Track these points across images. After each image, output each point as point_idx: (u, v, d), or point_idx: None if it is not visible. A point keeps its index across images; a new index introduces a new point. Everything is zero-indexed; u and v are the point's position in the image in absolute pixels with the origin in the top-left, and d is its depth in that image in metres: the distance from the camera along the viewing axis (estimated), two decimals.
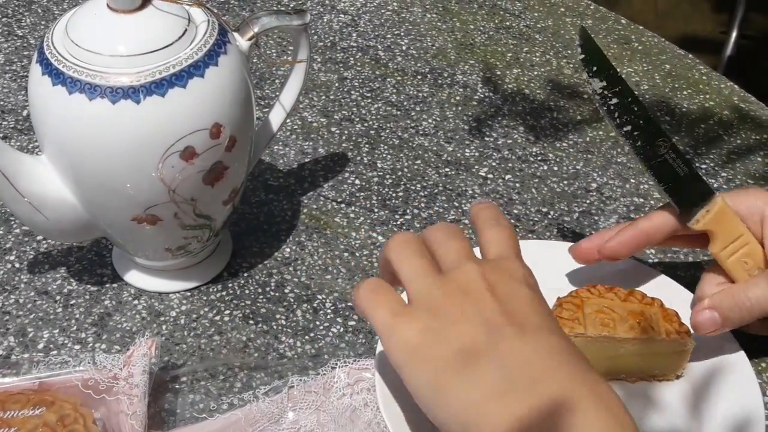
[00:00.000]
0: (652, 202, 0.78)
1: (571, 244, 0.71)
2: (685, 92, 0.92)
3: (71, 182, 0.59)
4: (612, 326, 0.60)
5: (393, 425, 0.57)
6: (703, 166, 0.82)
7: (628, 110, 0.60)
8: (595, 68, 0.59)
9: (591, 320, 0.61)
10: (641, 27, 1.02)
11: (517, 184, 0.80)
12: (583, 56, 0.59)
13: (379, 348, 0.61)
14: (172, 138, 0.56)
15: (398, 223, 0.75)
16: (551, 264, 0.68)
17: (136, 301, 0.67)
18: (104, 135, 0.56)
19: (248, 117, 0.62)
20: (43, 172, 0.59)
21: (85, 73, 0.56)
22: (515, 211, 0.77)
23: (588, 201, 0.78)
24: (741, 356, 0.62)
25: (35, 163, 0.60)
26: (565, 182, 0.80)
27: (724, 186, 0.80)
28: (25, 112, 0.85)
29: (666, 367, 0.61)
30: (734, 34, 2.07)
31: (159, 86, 0.56)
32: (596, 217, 0.77)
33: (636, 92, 0.82)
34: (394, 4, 1.04)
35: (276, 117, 0.70)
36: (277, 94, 0.70)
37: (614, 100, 0.60)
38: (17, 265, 0.70)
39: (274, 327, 0.66)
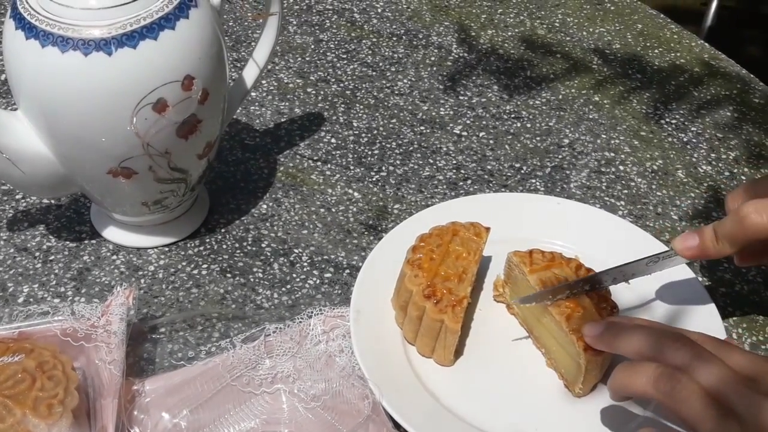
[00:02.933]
0: (622, 156, 0.80)
1: (542, 195, 0.73)
2: (656, 50, 0.93)
3: (46, 136, 0.60)
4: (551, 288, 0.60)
5: (368, 369, 0.58)
6: (673, 121, 0.84)
7: (562, 288, 0.60)
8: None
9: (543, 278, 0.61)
10: None
11: (491, 141, 0.81)
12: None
13: (355, 295, 0.63)
14: (144, 90, 0.57)
15: (373, 179, 0.76)
16: (523, 215, 0.70)
17: (114, 257, 0.68)
18: (77, 87, 0.57)
19: (220, 71, 0.63)
20: (18, 126, 0.60)
21: (57, 26, 0.56)
22: (488, 167, 0.78)
23: (560, 156, 0.80)
24: (704, 296, 0.63)
25: (11, 118, 0.60)
26: (538, 138, 0.82)
27: (694, 140, 0.82)
28: (2, 77, 0.86)
29: (568, 367, 0.59)
30: (714, 5, 2.08)
31: (130, 38, 0.56)
32: (567, 172, 0.78)
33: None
34: None
35: (250, 73, 0.70)
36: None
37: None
38: None
39: (252, 280, 0.67)
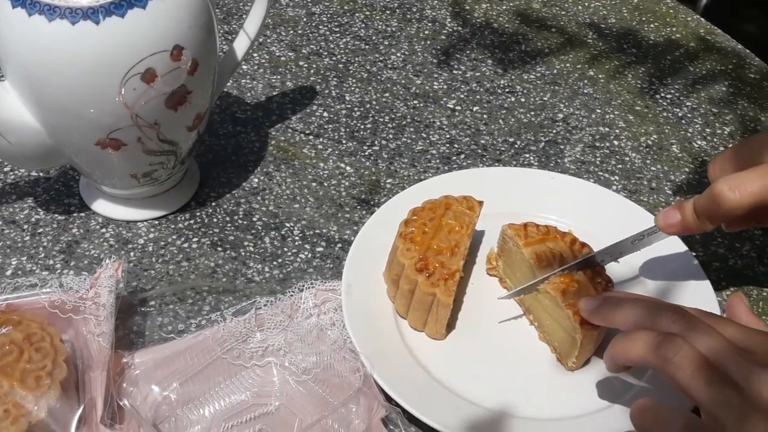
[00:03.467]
0: (616, 130, 0.79)
1: (536, 170, 0.73)
2: (651, 25, 0.92)
3: (33, 106, 0.59)
4: (545, 267, 0.60)
5: (359, 342, 0.58)
6: (669, 96, 0.83)
7: (555, 275, 0.59)
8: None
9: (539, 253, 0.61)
10: None
11: (485, 116, 0.81)
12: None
13: (346, 268, 0.62)
14: (132, 59, 0.56)
15: (366, 153, 0.76)
16: (516, 190, 0.70)
17: (103, 230, 0.68)
18: (64, 57, 0.56)
19: (210, 41, 0.62)
20: (5, 97, 0.59)
21: None
22: (482, 142, 0.78)
23: (554, 131, 0.79)
24: (698, 270, 0.63)
25: None
26: (532, 113, 0.81)
27: (689, 115, 0.81)
28: None
29: (562, 341, 0.59)
30: None
31: (118, 7, 0.55)
32: (562, 146, 0.77)
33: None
34: None
35: (240, 45, 0.69)
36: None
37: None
38: None
39: (243, 253, 0.67)
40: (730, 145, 0.77)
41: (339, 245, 0.67)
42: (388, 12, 0.92)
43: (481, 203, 0.64)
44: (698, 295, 0.62)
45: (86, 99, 0.57)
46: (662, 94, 0.83)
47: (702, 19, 0.93)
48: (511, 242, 0.62)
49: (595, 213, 0.68)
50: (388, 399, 0.55)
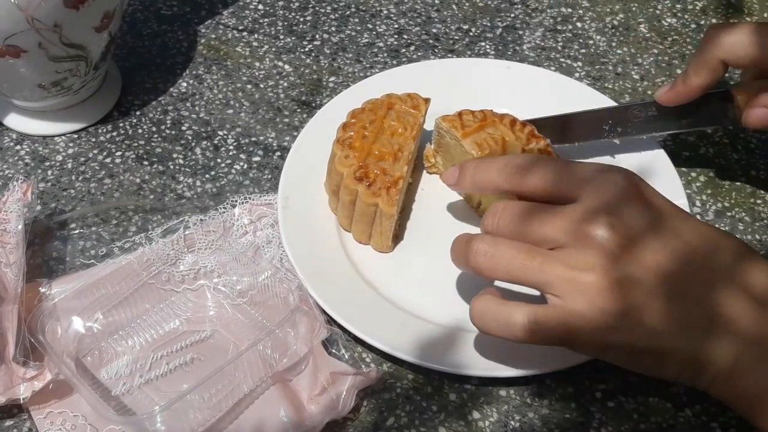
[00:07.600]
0: (580, 11, 0.73)
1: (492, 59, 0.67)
2: None
3: None
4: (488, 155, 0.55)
5: (297, 260, 0.53)
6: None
7: None
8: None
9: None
10: None
11: (437, 1, 0.73)
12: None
13: (283, 179, 0.57)
14: None
15: (306, 49, 0.69)
16: (470, 83, 0.64)
17: (18, 147, 0.61)
18: None
19: None
20: None
21: None
22: (434, 31, 0.71)
23: (512, 15, 0.72)
24: (665, 161, 0.59)
25: None
26: None
27: (679, 14, 0.75)
28: None
29: None
30: None
31: None
32: (520, 32, 0.71)
33: None
34: None
35: None
36: None
37: None
38: None
39: (171, 167, 0.61)
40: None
41: (278, 153, 0.62)
42: None
43: (427, 101, 0.58)
44: (665, 186, 0.56)
45: None
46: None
47: None
48: (448, 135, 0.56)
49: (557, 104, 0.62)
50: (333, 320, 0.51)
